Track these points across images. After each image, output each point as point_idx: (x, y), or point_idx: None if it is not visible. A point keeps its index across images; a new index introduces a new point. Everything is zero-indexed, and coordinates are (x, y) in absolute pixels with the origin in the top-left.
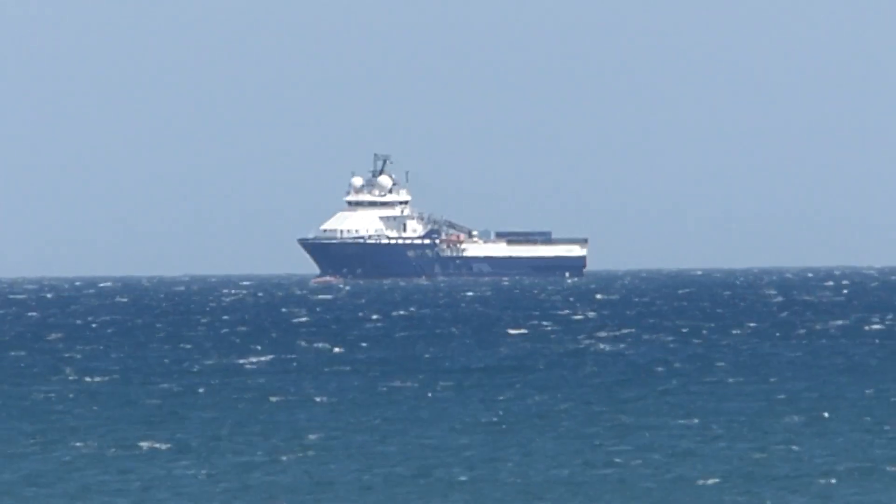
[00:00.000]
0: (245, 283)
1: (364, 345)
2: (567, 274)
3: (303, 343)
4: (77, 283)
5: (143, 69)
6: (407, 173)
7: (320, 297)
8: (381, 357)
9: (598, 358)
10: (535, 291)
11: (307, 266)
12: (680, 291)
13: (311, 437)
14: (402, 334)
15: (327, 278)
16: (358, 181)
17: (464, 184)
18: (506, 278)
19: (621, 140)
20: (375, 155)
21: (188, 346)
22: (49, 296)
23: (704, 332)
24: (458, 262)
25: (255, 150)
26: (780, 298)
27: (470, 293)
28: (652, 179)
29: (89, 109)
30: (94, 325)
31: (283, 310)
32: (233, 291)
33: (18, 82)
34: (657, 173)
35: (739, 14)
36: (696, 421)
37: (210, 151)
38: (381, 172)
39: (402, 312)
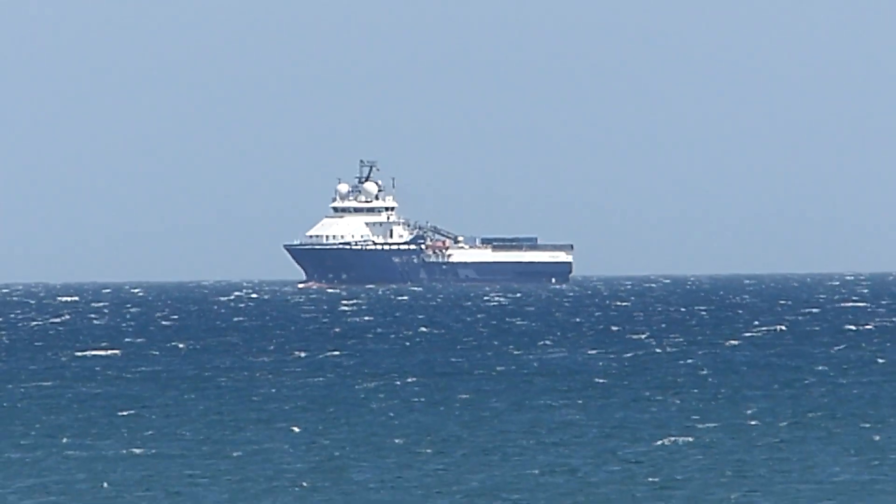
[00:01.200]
0: (243, 290)
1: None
2: (553, 280)
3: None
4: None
5: (129, 78)
6: (393, 180)
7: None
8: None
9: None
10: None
11: (293, 272)
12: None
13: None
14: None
15: (312, 284)
16: (344, 187)
17: (450, 190)
18: (492, 284)
19: (607, 147)
20: (361, 161)
21: (210, 352)
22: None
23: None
24: (443, 267)
25: (240, 157)
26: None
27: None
28: (638, 186)
29: (78, 120)
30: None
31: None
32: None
33: (14, 85)
34: (643, 180)
35: (734, 19)
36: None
37: (195, 159)
38: (367, 179)
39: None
